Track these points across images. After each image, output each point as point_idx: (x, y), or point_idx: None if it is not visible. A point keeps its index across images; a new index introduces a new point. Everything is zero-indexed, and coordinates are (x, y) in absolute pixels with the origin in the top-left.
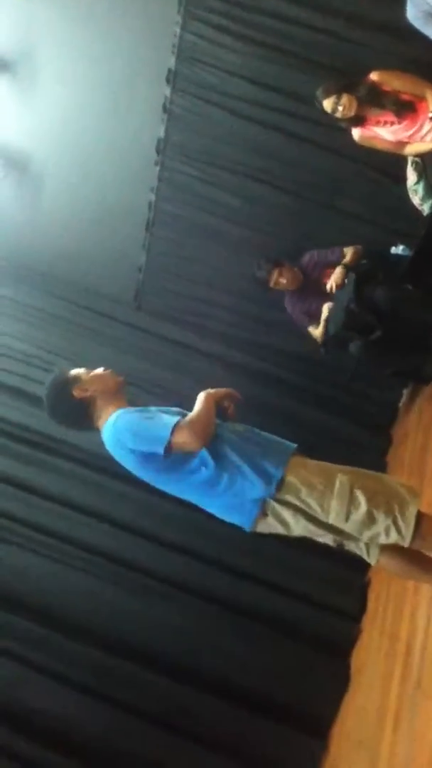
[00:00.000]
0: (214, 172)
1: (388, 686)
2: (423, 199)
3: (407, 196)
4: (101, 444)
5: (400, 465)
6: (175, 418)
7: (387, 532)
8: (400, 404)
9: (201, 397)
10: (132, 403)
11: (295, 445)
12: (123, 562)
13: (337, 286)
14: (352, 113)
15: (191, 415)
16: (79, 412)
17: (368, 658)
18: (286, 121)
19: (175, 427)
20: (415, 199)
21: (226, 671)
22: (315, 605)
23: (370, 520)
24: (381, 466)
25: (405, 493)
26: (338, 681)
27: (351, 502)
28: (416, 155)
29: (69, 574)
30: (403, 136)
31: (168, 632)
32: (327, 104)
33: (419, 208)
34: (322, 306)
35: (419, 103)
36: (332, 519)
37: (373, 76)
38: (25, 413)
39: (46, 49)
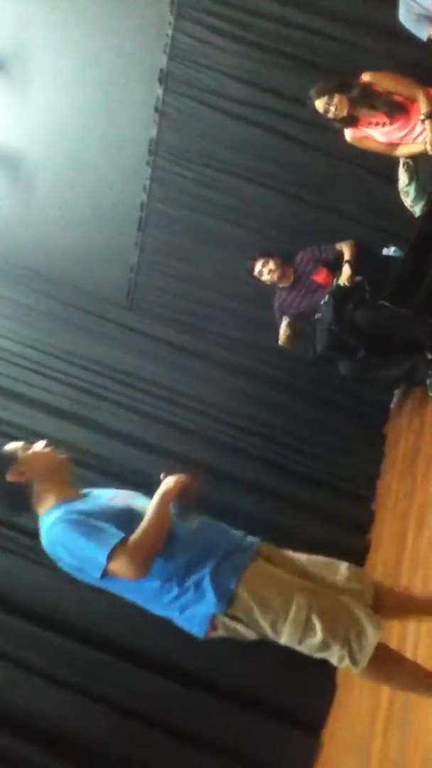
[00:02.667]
0: (207, 173)
1: (379, 688)
2: (414, 201)
3: (399, 197)
4: (97, 445)
5: (392, 466)
6: (116, 539)
7: (340, 660)
8: (392, 406)
9: (153, 503)
10: (82, 483)
11: (257, 543)
12: None
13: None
14: (344, 114)
15: (136, 535)
16: (13, 498)
17: None
18: (279, 122)
19: (115, 552)
20: (407, 201)
21: (220, 672)
22: None
23: (324, 646)
24: (378, 460)
25: (366, 623)
26: (328, 682)
27: (306, 630)
28: (408, 157)
29: (64, 577)
30: (394, 137)
31: (164, 634)
32: (319, 105)
33: (410, 209)
34: (306, 303)
35: (411, 105)
36: (283, 641)
37: (365, 77)
38: (13, 412)
39: (39, 48)
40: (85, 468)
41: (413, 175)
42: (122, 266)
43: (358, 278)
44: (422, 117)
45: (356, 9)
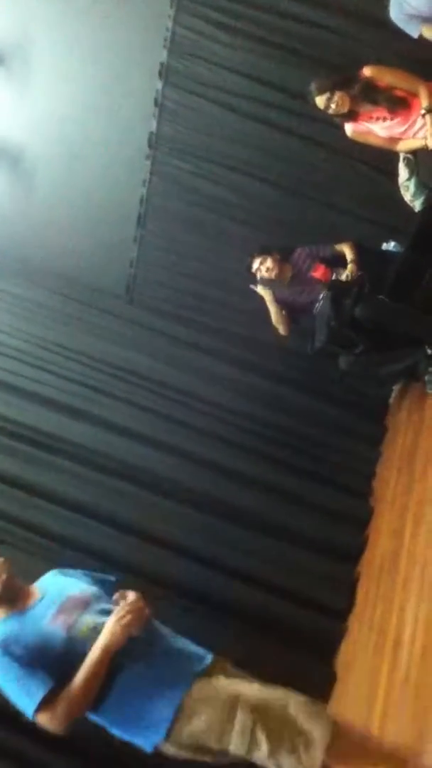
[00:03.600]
0: (207, 167)
1: (376, 680)
2: (414, 196)
3: (399, 192)
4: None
5: (390, 461)
6: (42, 692)
7: None
8: (391, 401)
9: (92, 657)
10: (23, 594)
11: (208, 661)
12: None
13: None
14: (345, 110)
15: (66, 693)
16: None
17: (357, 653)
18: (279, 116)
19: (41, 706)
20: (407, 196)
21: None
22: (302, 601)
23: (272, 757)
24: (376, 455)
25: (315, 733)
26: (324, 677)
27: (252, 743)
28: (408, 152)
29: None
30: (395, 132)
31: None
32: (319, 101)
33: (410, 204)
34: (304, 299)
35: (412, 100)
36: (232, 750)
37: (367, 71)
38: (12, 407)
39: (39, 42)
40: (81, 463)
41: (413, 170)
42: (122, 261)
43: (359, 273)
44: (423, 111)
45: (359, 3)
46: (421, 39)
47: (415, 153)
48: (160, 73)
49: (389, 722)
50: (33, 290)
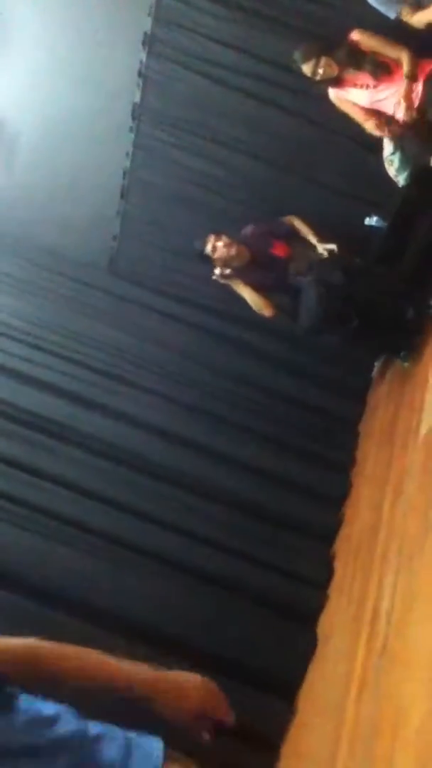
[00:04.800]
0: (191, 140)
1: (354, 652)
2: (398, 170)
3: (383, 166)
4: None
5: (370, 435)
6: None
7: None
8: (373, 374)
9: None
10: None
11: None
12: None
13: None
14: (334, 74)
15: None
16: None
17: (336, 624)
18: (265, 89)
19: None
20: (391, 170)
21: (198, 636)
22: (283, 574)
23: None
24: (353, 436)
25: None
26: (306, 646)
27: None
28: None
29: (67, 553)
30: (376, 98)
31: (149, 604)
32: (306, 68)
33: (394, 179)
34: (272, 278)
35: (396, 68)
36: None
37: (354, 35)
38: None
39: (19, 10)
40: (64, 442)
41: (398, 144)
42: (104, 234)
43: (331, 246)
44: (405, 76)
45: None
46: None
47: (404, 133)
48: (144, 43)
49: (365, 691)
50: (13, 263)
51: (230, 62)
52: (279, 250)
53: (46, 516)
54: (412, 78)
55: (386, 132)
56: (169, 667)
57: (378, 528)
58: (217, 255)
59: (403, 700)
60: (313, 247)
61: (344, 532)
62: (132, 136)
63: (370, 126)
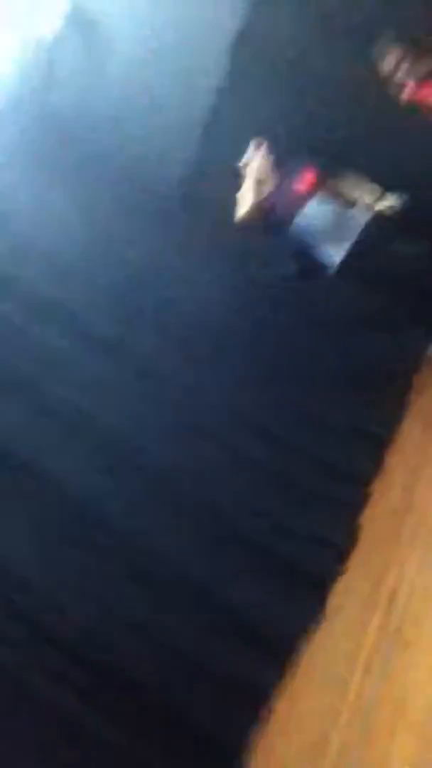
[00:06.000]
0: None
1: (364, 631)
2: None
3: None
4: None
5: (417, 415)
6: None
7: None
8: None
9: None
10: None
11: None
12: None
13: None
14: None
15: None
16: None
17: (347, 601)
18: None
19: None
20: None
21: (208, 588)
22: (304, 537)
23: None
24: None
25: None
26: (314, 613)
27: None
28: None
29: None
30: None
31: (172, 557)
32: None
33: None
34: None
35: None
36: None
37: None
38: None
39: None
40: None
41: None
42: (179, 164)
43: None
44: None
45: None
46: None
47: None
48: None
49: (372, 670)
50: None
51: None
52: (305, 184)
53: None
54: None
55: None
56: None
57: (407, 511)
58: (253, 164)
59: (409, 682)
60: None
61: (371, 509)
62: (229, 62)
63: None
